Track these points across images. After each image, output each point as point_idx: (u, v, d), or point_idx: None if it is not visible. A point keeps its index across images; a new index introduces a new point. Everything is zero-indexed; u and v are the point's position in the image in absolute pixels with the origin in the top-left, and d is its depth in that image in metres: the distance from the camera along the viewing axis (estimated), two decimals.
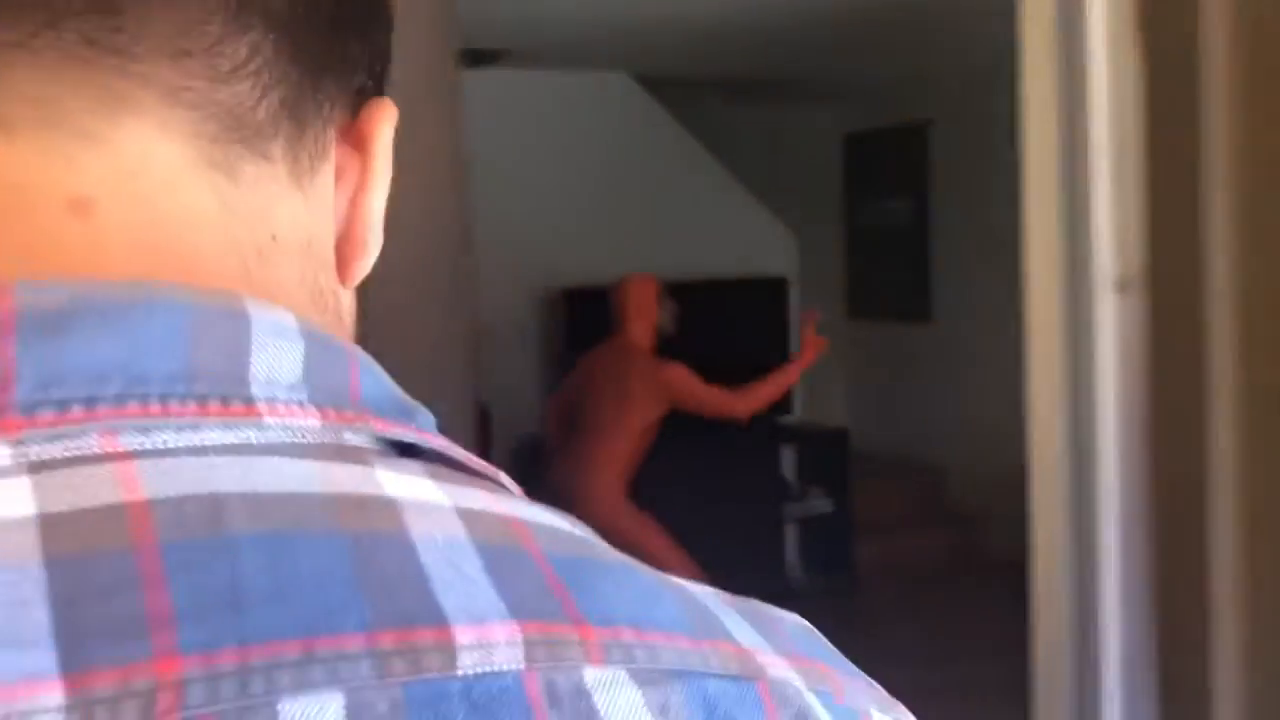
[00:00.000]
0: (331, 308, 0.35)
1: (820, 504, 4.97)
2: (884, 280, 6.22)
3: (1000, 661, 3.02)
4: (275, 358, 0.28)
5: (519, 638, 0.25)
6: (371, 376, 0.31)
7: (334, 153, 0.35)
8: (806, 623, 0.33)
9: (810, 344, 3.69)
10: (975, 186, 5.55)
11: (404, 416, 0.31)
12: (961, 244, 5.67)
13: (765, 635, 0.30)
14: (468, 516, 0.28)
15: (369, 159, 0.36)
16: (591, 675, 0.26)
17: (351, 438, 0.29)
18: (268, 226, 0.32)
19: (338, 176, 0.35)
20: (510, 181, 4.73)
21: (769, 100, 6.07)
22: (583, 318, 4.83)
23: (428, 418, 0.32)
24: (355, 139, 0.36)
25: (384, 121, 0.36)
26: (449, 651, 0.25)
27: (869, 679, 0.32)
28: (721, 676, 0.28)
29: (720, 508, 4.54)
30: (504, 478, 0.32)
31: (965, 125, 5.59)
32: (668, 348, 5.11)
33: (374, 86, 0.37)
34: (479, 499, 0.29)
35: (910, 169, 5.95)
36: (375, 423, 0.30)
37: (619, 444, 3.60)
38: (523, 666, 0.25)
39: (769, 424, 5.20)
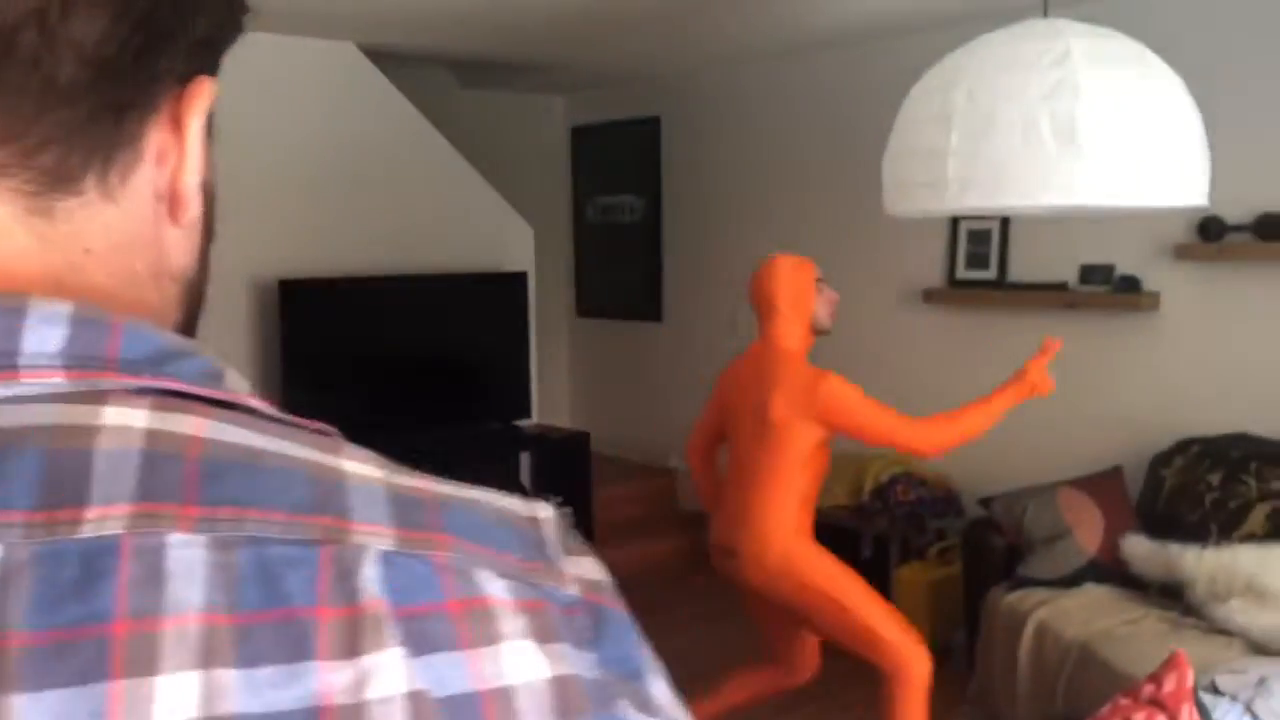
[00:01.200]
0: (147, 280, 0.46)
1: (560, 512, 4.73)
2: (615, 278, 6.08)
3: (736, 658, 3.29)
4: (41, 336, 0.38)
5: (129, 513, 0.36)
6: (136, 339, 0.40)
7: (154, 146, 0.45)
8: (537, 512, 0.44)
9: (1032, 373, 2.78)
10: (705, 185, 5.51)
11: (152, 367, 0.40)
12: (691, 242, 5.62)
13: (400, 514, 0.39)
14: (150, 435, 0.38)
15: (181, 140, 0.46)
16: (174, 539, 0.36)
17: (106, 386, 0.39)
18: (81, 244, 0.43)
19: (160, 159, 0.46)
20: (218, 155, 4.16)
21: (501, 85, 5.77)
22: (302, 314, 4.35)
23: (192, 365, 0.41)
24: (173, 123, 0.46)
25: (196, 102, 0.46)
26: (77, 523, 0.35)
27: (537, 560, 0.41)
28: (291, 542, 0.37)
29: None
30: (254, 401, 0.42)
31: (695, 122, 5.54)
32: (405, 347, 4.79)
33: (202, 67, 0.46)
34: (177, 423, 0.39)
35: (641, 165, 5.84)
36: (110, 375, 0.39)
37: (778, 490, 2.82)
38: (122, 532, 0.36)
39: (507, 429, 4.92)
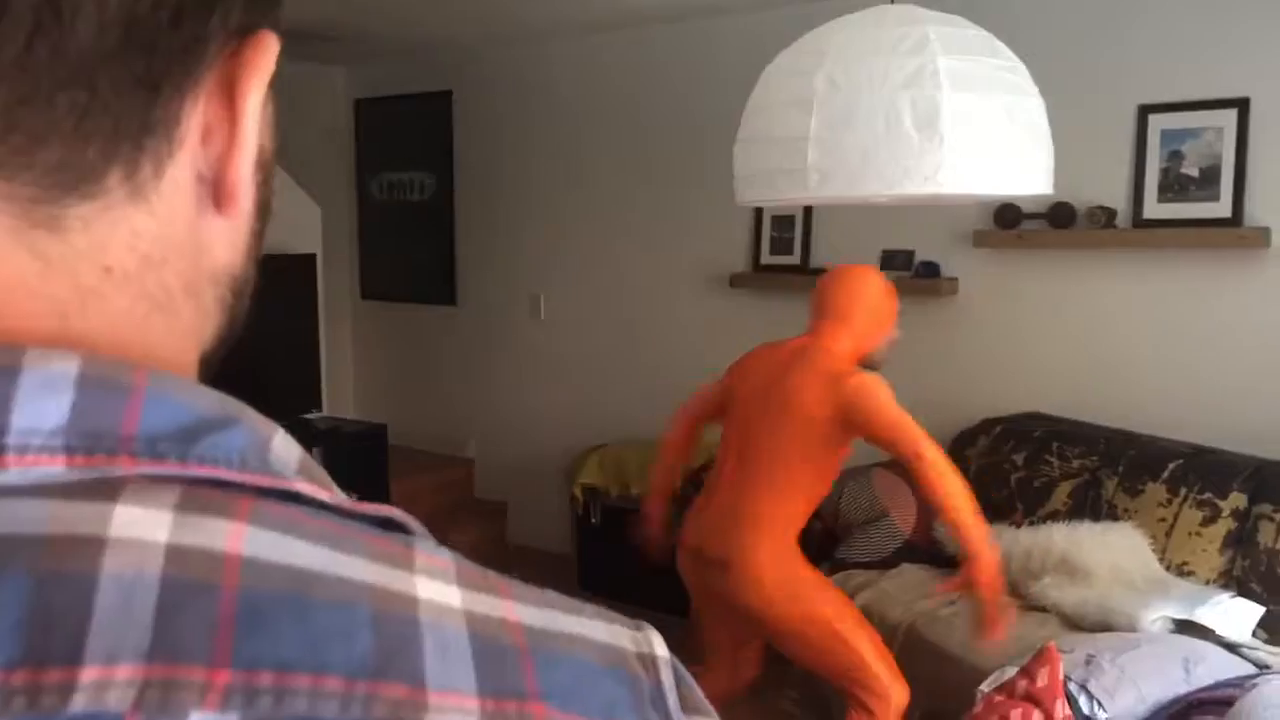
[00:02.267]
0: (181, 296, 0.37)
1: None
2: (404, 259, 5.80)
3: None
4: (38, 409, 0.30)
5: (139, 679, 0.27)
6: (162, 406, 0.32)
7: (198, 123, 0.36)
8: (653, 647, 0.36)
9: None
10: (502, 163, 5.33)
11: (180, 446, 0.32)
12: (488, 222, 5.43)
13: (487, 671, 0.31)
14: (174, 554, 0.29)
15: (236, 115, 0.36)
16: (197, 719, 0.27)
17: (120, 474, 0.31)
18: (99, 261, 0.34)
19: (207, 138, 0.36)
20: None
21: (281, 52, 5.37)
22: None
23: (232, 439, 0.33)
24: (224, 93, 0.36)
25: (256, 65, 0.36)
26: (68, 690, 0.27)
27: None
28: None
29: None
30: (303, 485, 0.33)
31: (492, 98, 5.34)
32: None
33: (261, 18, 0.37)
34: (210, 533, 0.30)
35: (432, 141, 5.58)
36: (125, 461, 0.31)
37: (789, 494, 2.56)
38: (128, 708, 0.27)
39: (295, 423, 4.59)
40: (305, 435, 4.55)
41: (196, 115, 0.36)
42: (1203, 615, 2.64)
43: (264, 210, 0.41)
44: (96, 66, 0.32)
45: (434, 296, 5.66)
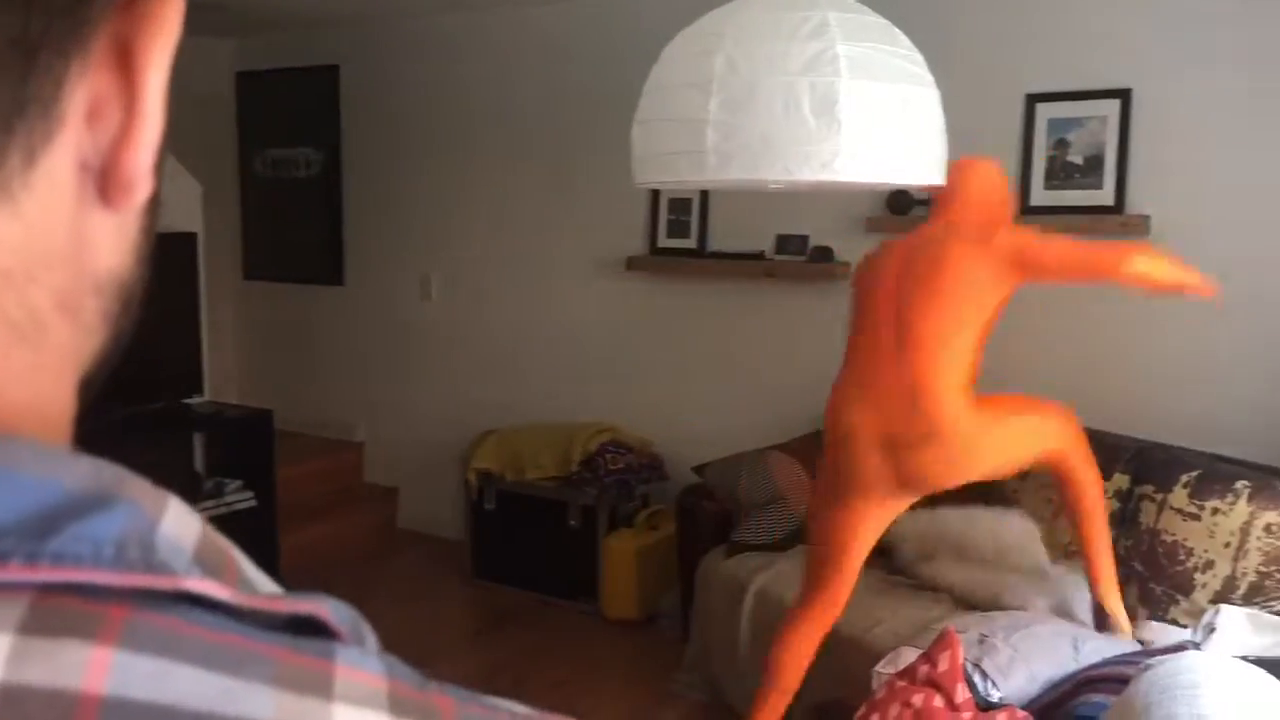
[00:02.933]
0: (54, 315, 0.30)
1: (240, 498, 4.33)
2: (289, 238, 5.63)
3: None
4: None
5: None
6: (5, 487, 0.25)
7: (82, 98, 0.29)
8: None
9: None
10: (392, 140, 5.20)
11: (31, 542, 0.25)
12: (377, 200, 5.29)
13: None
14: (9, 698, 0.23)
15: (134, 88, 0.30)
16: None
17: None
18: None
19: (94, 117, 0.30)
20: None
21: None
22: None
23: (103, 526, 0.26)
24: (117, 60, 0.30)
25: (157, 25, 0.30)
26: None
27: None
28: None
29: None
30: (195, 583, 0.26)
31: (382, 73, 5.20)
32: None
33: None
34: (60, 664, 0.24)
35: (318, 116, 5.41)
36: None
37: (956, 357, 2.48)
38: None
39: (175, 409, 4.42)
40: (185, 420, 4.39)
41: (82, 88, 0.29)
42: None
43: (156, 203, 0.34)
44: None
45: (321, 276, 5.50)
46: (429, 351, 5.20)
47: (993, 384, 3.38)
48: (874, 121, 1.99)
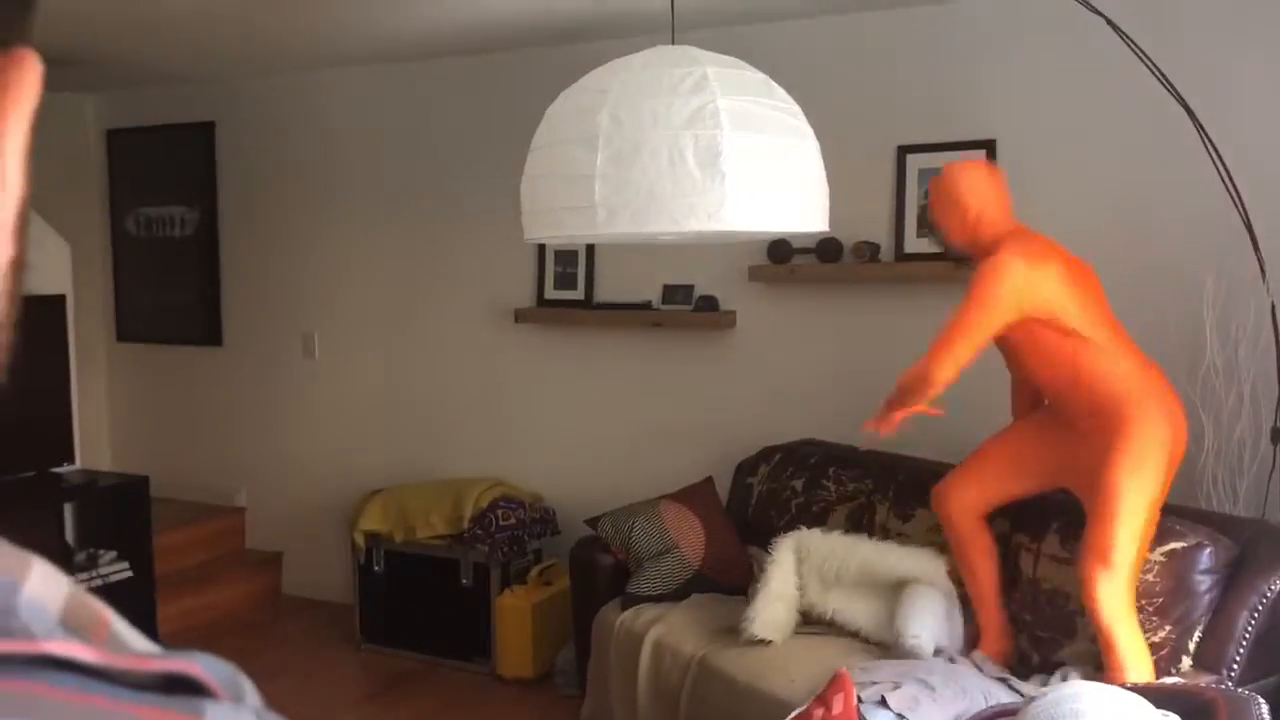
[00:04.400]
0: None
1: (115, 569, 4.15)
2: (164, 298, 5.46)
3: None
4: None
5: None
6: None
7: None
8: None
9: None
10: (270, 197, 5.12)
11: None
12: (255, 258, 5.19)
13: None
14: None
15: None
16: None
17: None
18: None
19: None
20: None
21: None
22: None
23: None
24: None
25: (15, 95, 0.31)
26: None
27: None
28: None
29: None
30: (59, 646, 0.26)
31: (259, 130, 5.12)
32: None
33: (15, 33, 0.31)
34: None
35: (193, 174, 5.29)
36: None
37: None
38: None
39: (45, 478, 4.22)
40: (54, 490, 4.21)
41: None
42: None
43: (20, 266, 0.34)
44: None
45: (198, 337, 5.35)
46: (313, 411, 5.09)
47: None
48: (757, 172, 2.05)
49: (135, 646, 0.29)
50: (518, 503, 4.28)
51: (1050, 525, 2.93)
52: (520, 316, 4.46)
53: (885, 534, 3.24)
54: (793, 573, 3.07)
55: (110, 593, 4.00)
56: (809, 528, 3.42)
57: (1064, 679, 2.59)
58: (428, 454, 4.78)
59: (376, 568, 4.41)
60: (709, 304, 4.12)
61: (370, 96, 4.81)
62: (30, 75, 0.31)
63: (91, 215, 5.49)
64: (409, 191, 4.77)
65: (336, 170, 4.94)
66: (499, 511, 4.19)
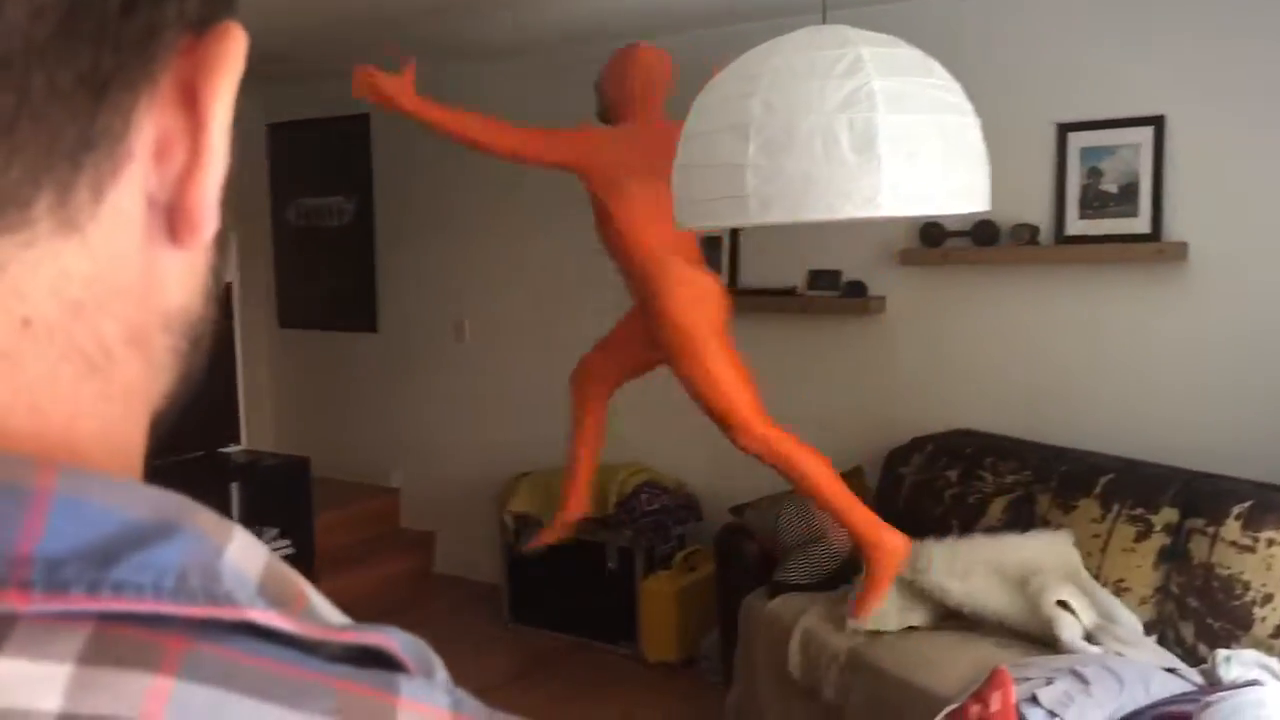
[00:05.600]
0: (122, 349, 0.30)
1: (278, 546, 4.33)
2: (323, 286, 5.67)
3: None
4: None
5: None
6: (72, 516, 0.25)
7: (150, 135, 0.30)
8: None
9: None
10: (422, 186, 5.24)
11: (94, 570, 0.25)
12: (408, 246, 5.32)
13: None
14: None
15: (200, 123, 0.30)
16: None
17: (8, 612, 0.24)
18: (16, 313, 0.28)
19: (161, 155, 0.30)
20: None
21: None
22: None
23: (164, 555, 0.26)
24: (182, 97, 0.30)
25: (222, 63, 0.30)
26: None
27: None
28: None
29: None
30: (259, 613, 0.26)
31: (405, 120, 5.22)
32: None
33: (215, 9, 0.31)
34: (118, 695, 0.24)
35: (350, 165, 5.46)
36: (16, 595, 0.24)
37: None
38: None
39: (213, 458, 4.43)
40: (221, 470, 4.41)
41: (149, 125, 0.30)
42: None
43: (223, 241, 0.34)
44: (29, 61, 0.26)
45: (354, 323, 5.53)
46: (463, 394, 5.21)
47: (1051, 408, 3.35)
48: (914, 153, 1.98)
49: (330, 619, 0.29)
50: (661, 488, 4.29)
51: (1230, 510, 2.79)
52: None
53: (1046, 526, 3.13)
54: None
55: None
56: (963, 520, 3.33)
57: (1226, 660, 2.47)
58: None
59: (524, 549, 4.49)
60: (857, 289, 4.04)
61: (517, 86, 4.87)
62: (235, 47, 0.31)
63: (255, 206, 5.72)
64: (558, 181, 4.81)
65: (485, 161, 5.01)
66: (643, 497, 4.21)
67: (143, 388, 0.32)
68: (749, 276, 4.33)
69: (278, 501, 4.50)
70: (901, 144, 1.97)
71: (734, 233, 4.34)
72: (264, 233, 5.76)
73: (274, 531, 4.39)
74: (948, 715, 1.82)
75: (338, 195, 5.54)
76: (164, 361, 0.33)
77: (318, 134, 5.54)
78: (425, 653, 0.30)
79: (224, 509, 3.24)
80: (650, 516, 4.19)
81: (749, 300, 4.26)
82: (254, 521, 4.45)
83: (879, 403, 4.04)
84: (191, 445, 4.36)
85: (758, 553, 3.62)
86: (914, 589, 3.02)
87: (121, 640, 0.25)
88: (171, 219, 0.31)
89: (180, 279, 0.32)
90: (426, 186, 5.23)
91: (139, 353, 0.31)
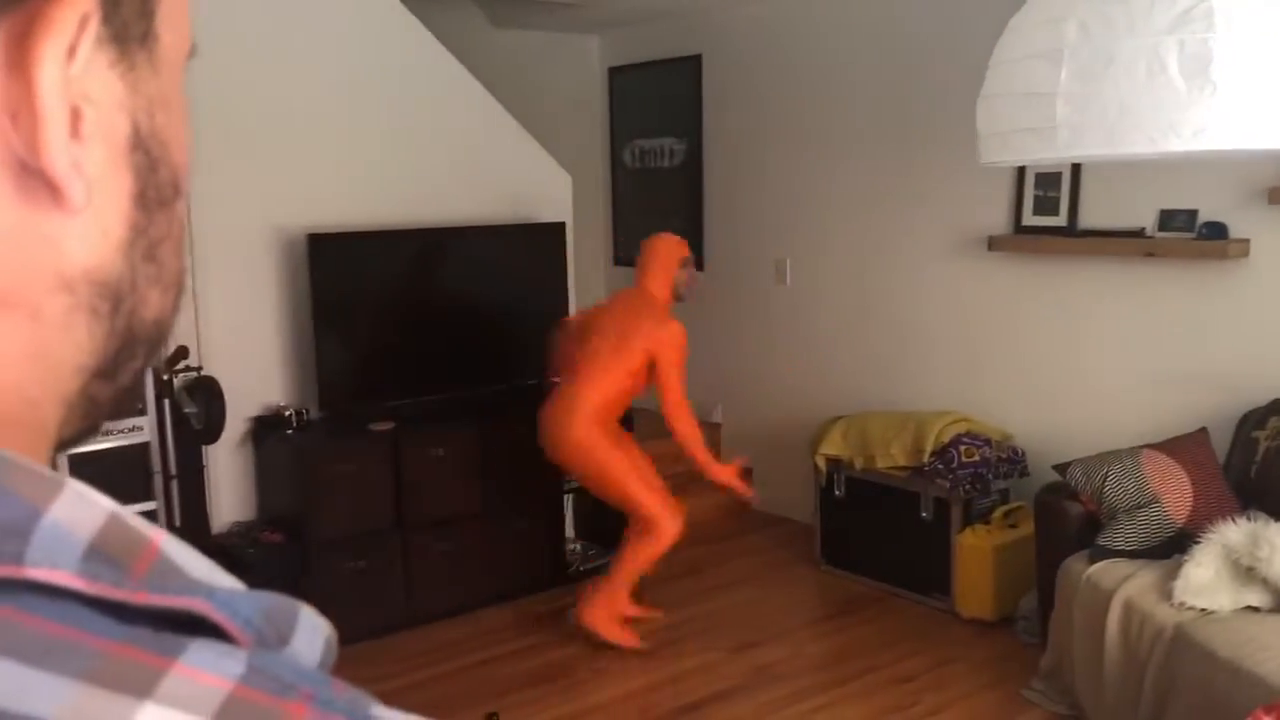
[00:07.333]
0: None
1: None
2: (654, 225, 5.81)
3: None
4: None
5: None
6: None
7: (2, 97, 0.30)
8: None
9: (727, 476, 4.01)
10: (750, 127, 5.24)
11: None
12: (735, 187, 5.35)
13: None
14: None
15: (33, 92, 0.30)
16: None
17: None
18: None
19: (14, 117, 0.30)
20: (227, 98, 3.94)
21: (534, 24, 5.49)
22: (331, 268, 4.14)
23: (42, 546, 0.26)
24: (12, 58, 0.30)
25: (46, 26, 0.29)
26: None
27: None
28: None
29: None
30: (44, 573, 0.26)
31: (739, 60, 5.24)
32: (437, 303, 4.56)
33: None
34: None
35: (682, 106, 5.56)
36: None
37: (606, 386, 3.72)
38: None
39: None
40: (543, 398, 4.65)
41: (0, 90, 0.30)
42: None
43: (142, 200, 0.34)
44: None
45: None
46: (783, 335, 5.21)
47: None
48: (1258, 80, 1.74)
49: (189, 573, 0.28)
50: (983, 440, 4.10)
51: None
52: (994, 244, 4.22)
53: None
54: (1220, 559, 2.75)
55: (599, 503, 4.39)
56: None
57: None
58: (891, 383, 4.71)
59: (837, 492, 4.46)
60: (1215, 231, 3.64)
61: (840, 23, 4.74)
62: (63, 14, 0.30)
63: (592, 148, 5.96)
64: (877, 116, 4.66)
65: (810, 100, 4.94)
66: (962, 448, 4.05)
67: (35, 348, 0.32)
68: (1090, 216, 4.01)
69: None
70: (1243, 69, 1.73)
71: (1075, 168, 4.02)
72: (602, 175, 6.00)
73: None
74: (1263, 709, 1.62)
75: (670, 136, 5.66)
76: (66, 322, 0.33)
77: (653, 76, 5.67)
78: (275, 617, 0.29)
79: None
80: (969, 468, 4.02)
81: (1090, 243, 3.96)
82: None
83: (1234, 358, 3.64)
84: (527, 374, 4.64)
85: (1082, 514, 3.39)
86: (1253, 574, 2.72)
87: None
88: (39, 181, 0.31)
89: (80, 240, 0.32)
90: (749, 126, 5.22)
91: (18, 314, 0.31)
